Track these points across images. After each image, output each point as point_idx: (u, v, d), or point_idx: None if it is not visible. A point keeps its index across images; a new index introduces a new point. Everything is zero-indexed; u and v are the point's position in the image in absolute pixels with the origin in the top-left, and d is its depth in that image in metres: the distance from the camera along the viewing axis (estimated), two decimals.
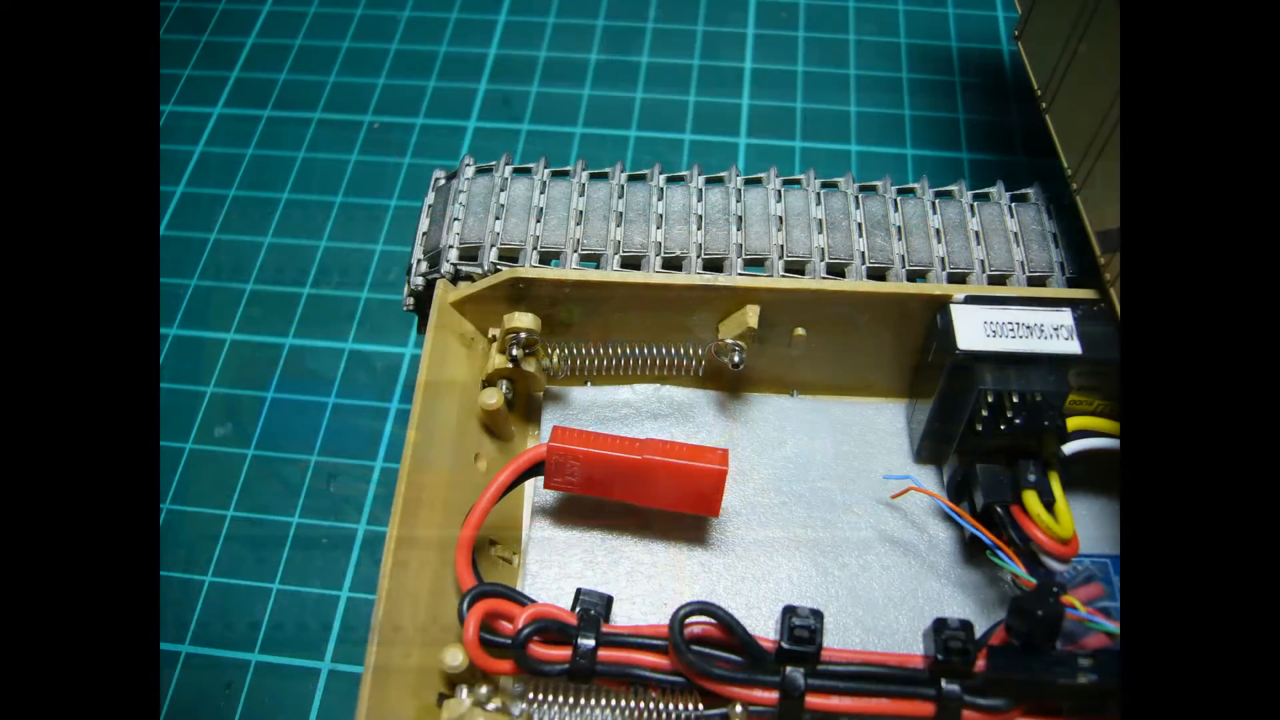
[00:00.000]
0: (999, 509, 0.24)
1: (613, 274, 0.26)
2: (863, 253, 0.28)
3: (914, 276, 0.27)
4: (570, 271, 0.26)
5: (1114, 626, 0.22)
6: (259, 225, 0.39)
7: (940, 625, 0.22)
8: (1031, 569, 0.23)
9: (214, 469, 0.33)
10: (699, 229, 0.28)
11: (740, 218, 0.28)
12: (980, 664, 0.22)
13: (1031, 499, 0.24)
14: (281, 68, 0.45)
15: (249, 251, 0.39)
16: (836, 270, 0.27)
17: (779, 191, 0.29)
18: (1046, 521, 0.23)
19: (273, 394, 0.35)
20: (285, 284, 0.38)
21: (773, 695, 0.21)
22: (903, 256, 0.28)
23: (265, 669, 0.29)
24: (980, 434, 0.25)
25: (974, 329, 0.25)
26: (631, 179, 0.30)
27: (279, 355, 0.36)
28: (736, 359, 0.26)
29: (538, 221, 0.28)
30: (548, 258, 0.28)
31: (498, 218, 0.28)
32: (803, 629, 0.22)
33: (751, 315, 0.26)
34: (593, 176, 0.30)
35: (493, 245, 0.28)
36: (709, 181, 0.30)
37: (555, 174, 0.30)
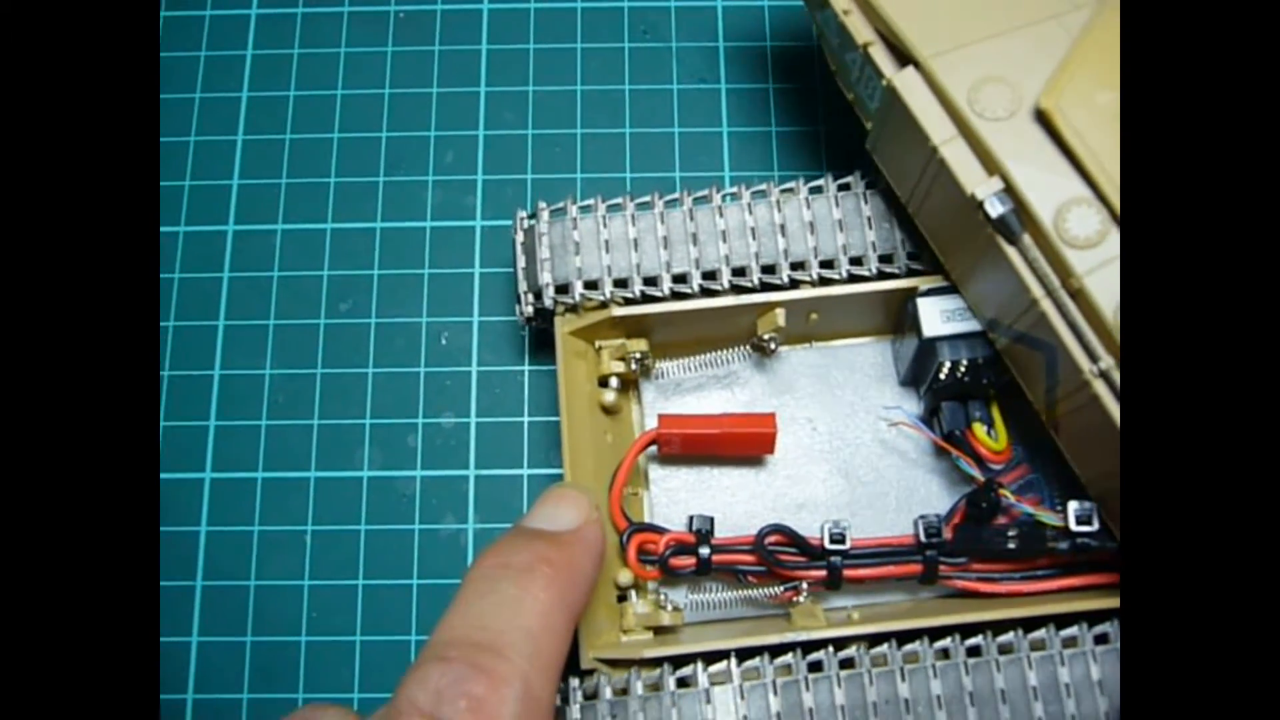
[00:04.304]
0: (958, 432, 0.37)
1: (689, 303, 0.37)
2: (843, 246, 0.38)
3: (884, 260, 0.38)
4: (654, 306, 0.37)
5: (1030, 508, 0.35)
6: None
7: (922, 517, 0.35)
8: (981, 470, 0.36)
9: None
10: (753, 239, 0.37)
11: (782, 226, 0.38)
12: (949, 535, 0.36)
13: (978, 428, 0.36)
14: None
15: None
16: (856, 261, 0.37)
17: (777, 202, 0.38)
18: (988, 442, 0.36)
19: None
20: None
21: (823, 573, 0.35)
22: (873, 243, 0.38)
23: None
24: (943, 382, 0.37)
25: (934, 317, 0.36)
26: (670, 203, 0.39)
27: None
28: (773, 347, 0.38)
29: (635, 251, 0.37)
30: (649, 282, 0.37)
31: (607, 252, 0.37)
32: (838, 534, 0.35)
33: (780, 317, 0.37)
34: (639, 206, 0.39)
35: (609, 277, 0.37)
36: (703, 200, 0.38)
37: (640, 205, 0.38)
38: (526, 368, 0.44)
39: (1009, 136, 0.30)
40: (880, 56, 0.33)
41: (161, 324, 0.44)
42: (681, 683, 0.33)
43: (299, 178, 0.46)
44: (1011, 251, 0.30)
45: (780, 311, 0.37)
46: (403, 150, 0.46)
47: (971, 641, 0.33)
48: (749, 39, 0.48)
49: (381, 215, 0.45)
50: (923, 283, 0.37)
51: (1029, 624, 0.33)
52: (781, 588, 0.35)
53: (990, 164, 0.30)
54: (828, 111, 0.47)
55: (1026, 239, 0.30)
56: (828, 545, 0.35)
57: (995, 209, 0.30)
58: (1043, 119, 0.30)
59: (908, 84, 0.32)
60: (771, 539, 0.35)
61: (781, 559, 0.35)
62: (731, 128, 0.47)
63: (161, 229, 0.45)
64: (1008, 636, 0.33)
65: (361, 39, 0.47)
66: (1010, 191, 0.30)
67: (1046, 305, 0.30)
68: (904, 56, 0.32)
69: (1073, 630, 0.33)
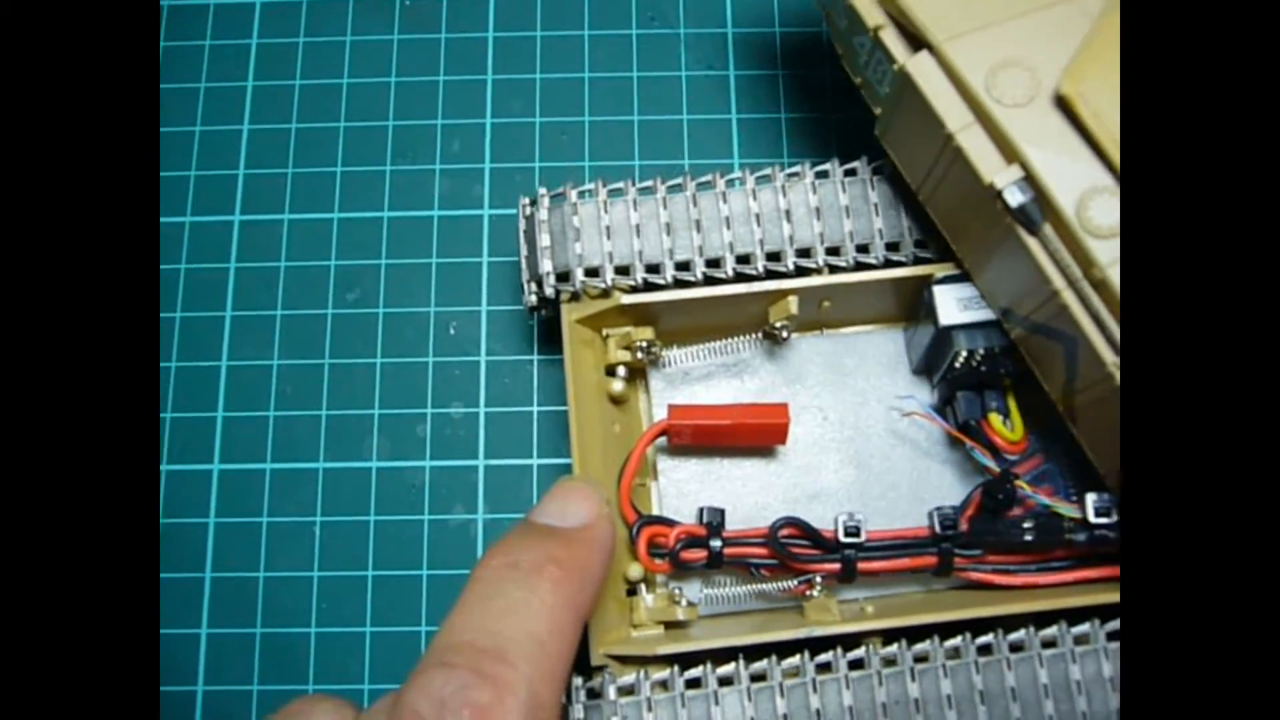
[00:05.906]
0: (973, 422, 0.36)
1: (699, 291, 0.36)
2: (850, 232, 0.37)
3: (891, 248, 0.37)
4: (663, 294, 0.37)
5: (1046, 499, 0.34)
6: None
7: (938, 509, 0.35)
8: (997, 460, 0.36)
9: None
10: (758, 225, 0.37)
11: (788, 212, 0.37)
12: (964, 527, 0.35)
13: (994, 418, 0.36)
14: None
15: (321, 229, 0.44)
16: (863, 249, 0.37)
17: (783, 188, 0.37)
18: (1004, 432, 0.35)
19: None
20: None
21: (837, 567, 0.35)
22: (880, 230, 0.37)
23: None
24: (958, 371, 0.36)
25: (951, 305, 0.35)
26: (672, 189, 0.38)
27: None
28: (785, 335, 0.37)
29: (638, 237, 0.37)
30: (651, 270, 0.37)
31: (608, 238, 0.36)
32: (852, 526, 0.34)
33: (793, 304, 0.36)
34: (641, 191, 0.38)
35: (610, 264, 0.36)
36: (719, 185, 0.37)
37: (642, 191, 0.38)
38: (535, 357, 0.44)
39: (1028, 123, 0.29)
40: (891, 40, 0.32)
41: (168, 315, 0.43)
42: (690, 684, 0.32)
43: (305, 167, 0.45)
44: (1032, 242, 0.29)
45: (793, 299, 0.36)
46: (409, 139, 0.46)
47: (982, 640, 0.33)
48: (758, 25, 0.48)
49: (388, 204, 0.45)
50: (939, 270, 0.36)
51: (1042, 619, 0.33)
52: (794, 581, 0.35)
53: (1009, 152, 0.29)
54: (838, 98, 0.47)
55: (1047, 229, 0.29)
56: (842, 538, 0.34)
57: (1015, 198, 0.29)
58: (1063, 105, 0.29)
59: (921, 69, 0.31)
60: (785, 531, 0.35)
61: (795, 552, 0.35)
62: (741, 115, 0.47)
63: (167, 220, 0.44)
64: (1019, 634, 0.33)
65: (367, 27, 0.47)
66: (1030, 180, 0.29)
67: (1068, 296, 0.29)
68: (916, 40, 0.31)
69: (1085, 627, 0.32)
